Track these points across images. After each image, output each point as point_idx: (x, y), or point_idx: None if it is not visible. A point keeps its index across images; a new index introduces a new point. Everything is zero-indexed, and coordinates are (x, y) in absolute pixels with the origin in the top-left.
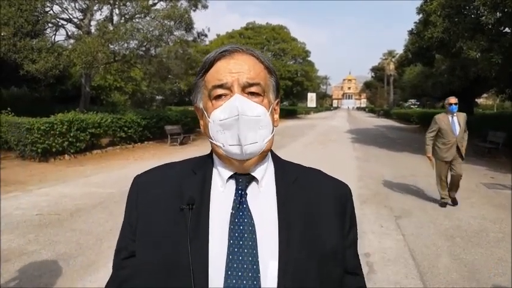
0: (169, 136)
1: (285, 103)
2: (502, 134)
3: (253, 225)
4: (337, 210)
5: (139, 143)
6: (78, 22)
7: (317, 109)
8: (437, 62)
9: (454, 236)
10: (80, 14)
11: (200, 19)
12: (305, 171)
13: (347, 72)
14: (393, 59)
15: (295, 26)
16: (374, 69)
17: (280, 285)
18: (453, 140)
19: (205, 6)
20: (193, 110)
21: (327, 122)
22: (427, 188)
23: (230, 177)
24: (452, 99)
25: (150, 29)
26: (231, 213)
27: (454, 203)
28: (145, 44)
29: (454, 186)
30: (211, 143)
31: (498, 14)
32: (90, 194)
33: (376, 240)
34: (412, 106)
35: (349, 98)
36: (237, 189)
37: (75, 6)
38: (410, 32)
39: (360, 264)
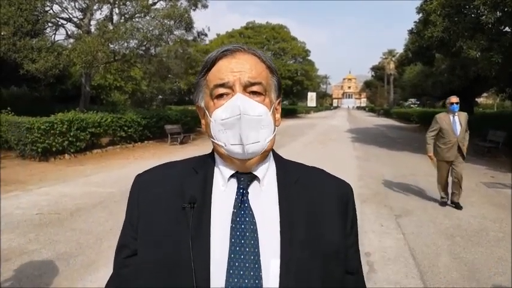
0: (169, 135)
1: (285, 102)
2: (502, 133)
3: (254, 224)
4: (339, 209)
5: (139, 143)
6: (78, 21)
7: (317, 108)
8: (437, 62)
9: (454, 235)
10: (80, 13)
11: (200, 18)
12: (307, 171)
13: (347, 71)
14: (393, 58)
15: (295, 25)
16: (374, 69)
17: (282, 284)
18: (454, 139)
19: (205, 6)
20: (194, 109)
21: (327, 121)
22: (427, 187)
23: (231, 176)
24: (454, 99)
25: (150, 29)
26: (233, 212)
27: (458, 207)
28: (145, 43)
29: (456, 188)
30: (212, 142)
31: (498, 13)
32: (90, 194)
33: (376, 240)
34: (412, 105)
35: (349, 98)
36: (238, 188)
37: (75, 6)
38: (410, 32)
39: (361, 264)
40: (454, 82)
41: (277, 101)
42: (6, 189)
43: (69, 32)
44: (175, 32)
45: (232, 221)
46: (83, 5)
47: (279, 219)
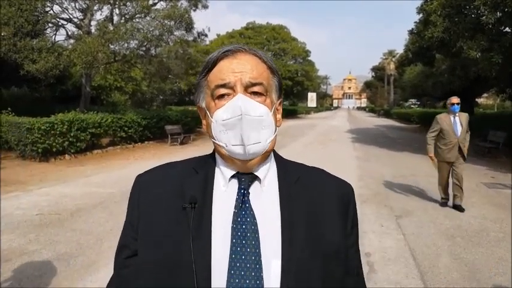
0: (169, 136)
1: (285, 103)
2: (502, 134)
3: (255, 225)
4: (339, 209)
5: (139, 143)
6: (78, 22)
7: (317, 109)
8: (437, 62)
9: (455, 235)
10: (80, 14)
11: (200, 19)
12: (308, 171)
13: (347, 71)
14: (393, 59)
15: (296, 25)
16: (374, 69)
17: (283, 284)
18: (455, 140)
19: (205, 6)
20: (194, 110)
21: (327, 121)
22: (428, 188)
23: (232, 177)
24: (455, 99)
25: (150, 29)
26: (234, 212)
27: (460, 210)
28: (145, 43)
29: (457, 190)
30: (213, 142)
31: (498, 14)
32: (90, 194)
33: (377, 240)
34: (412, 106)
35: (349, 98)
36: (239, 189)
37: (75, 6)
38: (411, 32)
39: (361, 265)
40: (455, 82)
41: (278, 101)
42: (7, 190)
43: (69, 33)
44: (175, 33)
45: (233, 221)
46: (83, 6)
47: (280, 220)
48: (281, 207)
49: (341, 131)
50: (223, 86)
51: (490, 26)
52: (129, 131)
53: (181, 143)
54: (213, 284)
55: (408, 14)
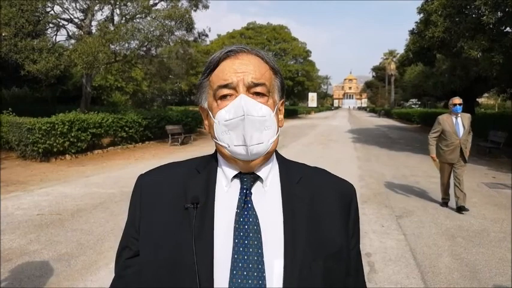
0: (170, 136)
1: (285, 103)
2: (503, 134)
3: (258, 225)
4: (341, 209)
5: (140, 143)
6: (79, 22)
7: (318, 109)
8: (438, 62)
9: (455, 235)
10: (81, 14)
11: (201, 19)
12: (310, 171)
13: (348, 71)
14: (394, 59)
15: (296, 25)
16: (375, 69)
17: (285, 284)
18: (456, 141)
19: (206, 6)
20: (194, 110)
21: (328, 121)
22: (428, 188)
23: (235, 177)
24: (457, 100)
25: (151, 29)
26: (236, 212)
27: (463, 210)
28: (146, 44)
29: (458, 192)
30: (216, 143)
31: (499, 14)
32: (91, 194)
33: (377, 240)
34: (413, 106)
35: (350, 98)
36: (241, 189)
37: (76, 7)
38: (411, 32)
39: (362, 265)
40: (455, 82)
41: (281, 101)
42: (7, 190)
43: (70, 33)
44: (176, 33)
45: (236, 222)
46: (84, 6)
47: (282, 220)
48: (283, 207)
49: (342, 131)
50: (226, 86)
51: (491, 26)
52: (130, 131)
53: (182, 143)
54: (215, 284)
55: (409, 14)
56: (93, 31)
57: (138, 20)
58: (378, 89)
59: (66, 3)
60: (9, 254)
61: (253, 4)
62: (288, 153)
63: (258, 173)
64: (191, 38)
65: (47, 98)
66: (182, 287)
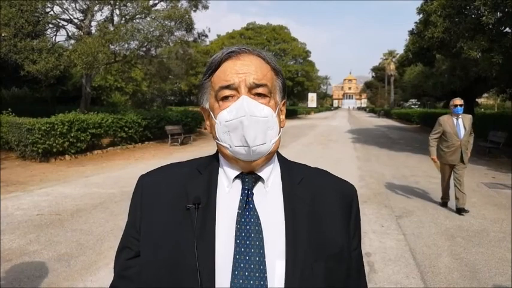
0: (169, 136)
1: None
2: (502, 134)
3: (259, 225)
4: (343, 210)
5: (139, 143)
6: (78, 23)
7: (317, 109)
8: (437, 62)
9: (455, 235)
10: (81, 14)
11: (201, 19)
12: (311, 172)
13: (347, 72)
14: (394, 59)
15: (296, 26)
16: (374, 69)
17: (287, 285)
18: (457, 143)
19: (205, 7)
20: (194, 110)
21: (328, 122)
22: (428, 188)
23: (236, 177)
24: (458, 101)
25: (151, 30)
26: (238, 213)
27: (460, 212)
28: (145, 44)
29: (458, 194)
30: (217, 143)
31: (499, 14)
32: (90, 194)
33: (377, 240)
34: (412, 106)
35: (349, 98)
36: (243, 189)
37: (75, 7)
38: (411, 32)
39: (363, 266)
40: (455, 83)
41: (282, 102)
42: (7, 190)
43: (69, 33)
44: (175, 33)
45: (237, 222)
46: (84, 6)
47: (283, 220)
48: (285, 208)
49: (341, 131)
50: (228, 87)
51: (490, 27)
52: (130, 131)
53: (182, 144)
54: (217, 285)
55: (408, 15)
56: (93, 31)
57: (137, 21)
58: (378, 89)
59: (66, 3)
60: (9, 254)
61: (253, 4)
62: (287, 154)
63: (259, 174)
64: (191, 39)
65: (46, 99)
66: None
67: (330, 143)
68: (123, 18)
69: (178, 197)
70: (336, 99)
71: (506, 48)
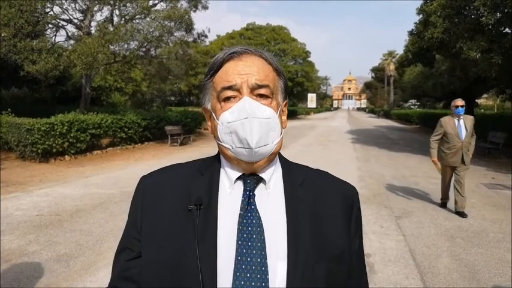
0: (169, 137)
1: None
2: (502, 135)
3: (261, 226)
4: (344, 212)
5: (139, 144)
6: (78, 23)
7: (317, 110)
8: (437, 63)
9: (455, 236)
10: (80, 14)
11: (200, 19)
12: (312, 173)
13: (347, 72)
14: (393, 60)
15: (296, 26)
16: (374, 70)
17: (288, 286)
18: (459, 144)
19: (205, 7)
20: (194, 110)
21: (327, 122)
22: (428, 189)
23: (238, 179)
24: (459, 102)
25: (150, 30)
26: (239, 214)
27: (461, 215)
28: (145, 44)
29: (457, 195)
30: (219, 144)
31: (498, 15)
32: (90, 195)
33: (377, 241)
34: (412, 107)
35: (349, 99)
36: (245, 190)
37: (75, 7)
38: (411, 33)
39: (365, 267)
40: (454, 83)
41: (284, 103)
42: (7, 190)
43: (69, 34)
44: (175, 34)
45: (239, 223)
46: (84, 7)
47: (285, 222)
48: (286, 209)
49: (341, 131)
50: (229, 88)
51: (490, 27)
52: (129, 131)
53: (181, 144)
54: (218, 286)
55: (408, 15)
56: (93, 32)
57: (137, 21)
58: (377, 89)
59: (66, 3)
60: (9, 254)
61: (253, 4)
62: (287, 154)
63: (261, 175)
64: (190, 39)
65: (46, 99)
66: None
67: (329, 143)
68: (123, 19)
69: (180, 198)
70: (335, 99)
71: (506, 48)
